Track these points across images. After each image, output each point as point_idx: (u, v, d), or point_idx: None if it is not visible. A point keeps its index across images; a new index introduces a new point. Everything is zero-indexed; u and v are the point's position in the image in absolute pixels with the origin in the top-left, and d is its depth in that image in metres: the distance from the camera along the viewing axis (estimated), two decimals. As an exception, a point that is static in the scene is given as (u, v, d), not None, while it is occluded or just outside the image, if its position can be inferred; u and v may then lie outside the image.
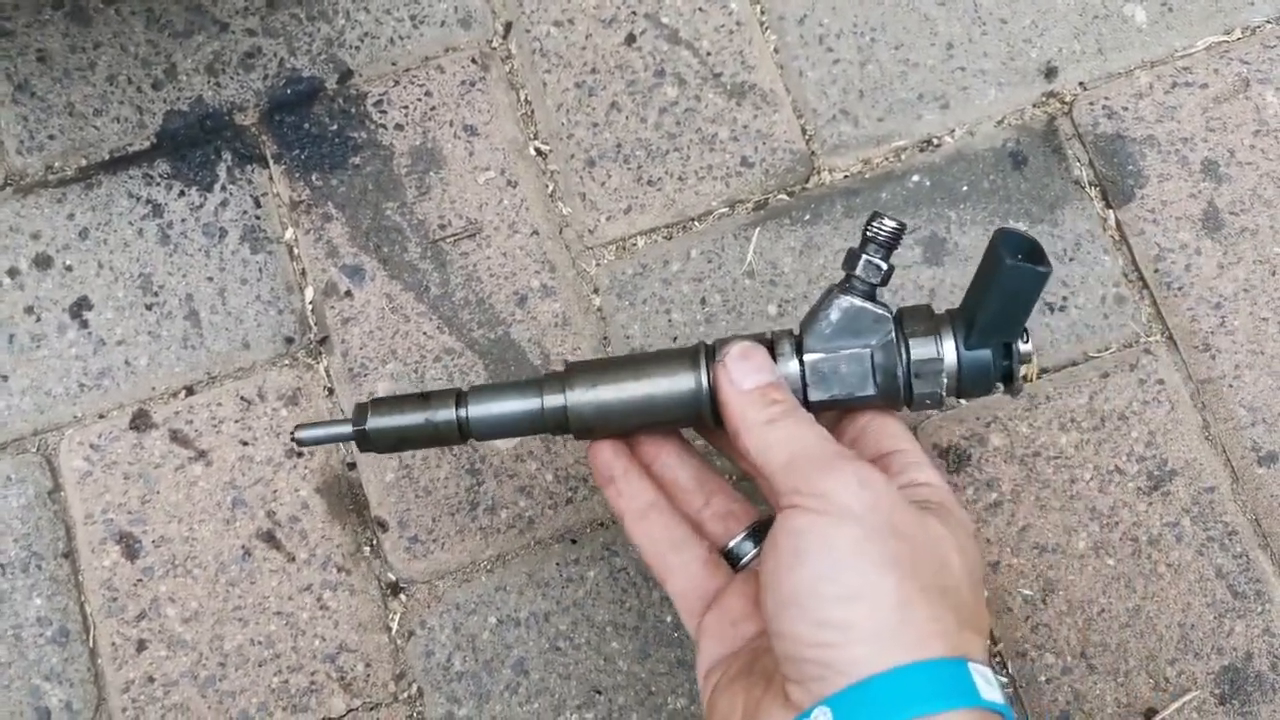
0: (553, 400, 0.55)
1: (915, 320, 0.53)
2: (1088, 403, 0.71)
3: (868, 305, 0.52)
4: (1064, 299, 0.72)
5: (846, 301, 0.53)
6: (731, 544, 0.57)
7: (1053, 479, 0.70)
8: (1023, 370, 0.53)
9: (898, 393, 0.53)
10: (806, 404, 0.53)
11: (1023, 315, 0.51)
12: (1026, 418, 0.71)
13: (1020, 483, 0.70)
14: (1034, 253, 0.49)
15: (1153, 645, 0.68)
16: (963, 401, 0.71)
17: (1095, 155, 0.74)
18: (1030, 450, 0.70)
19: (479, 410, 0.55)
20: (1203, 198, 0.73)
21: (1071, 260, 0.73)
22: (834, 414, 0.56)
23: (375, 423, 0.55)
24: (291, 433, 0.56)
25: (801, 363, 0.53)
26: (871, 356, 0.52)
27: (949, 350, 0.52)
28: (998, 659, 0.69)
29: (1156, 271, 0.72)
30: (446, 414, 0.55)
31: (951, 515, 0.50)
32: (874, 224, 0.53)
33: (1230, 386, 0.71)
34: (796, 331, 0.54)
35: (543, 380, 0.56)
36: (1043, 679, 0.68)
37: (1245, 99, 0.74)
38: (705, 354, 0.54)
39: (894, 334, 0.52)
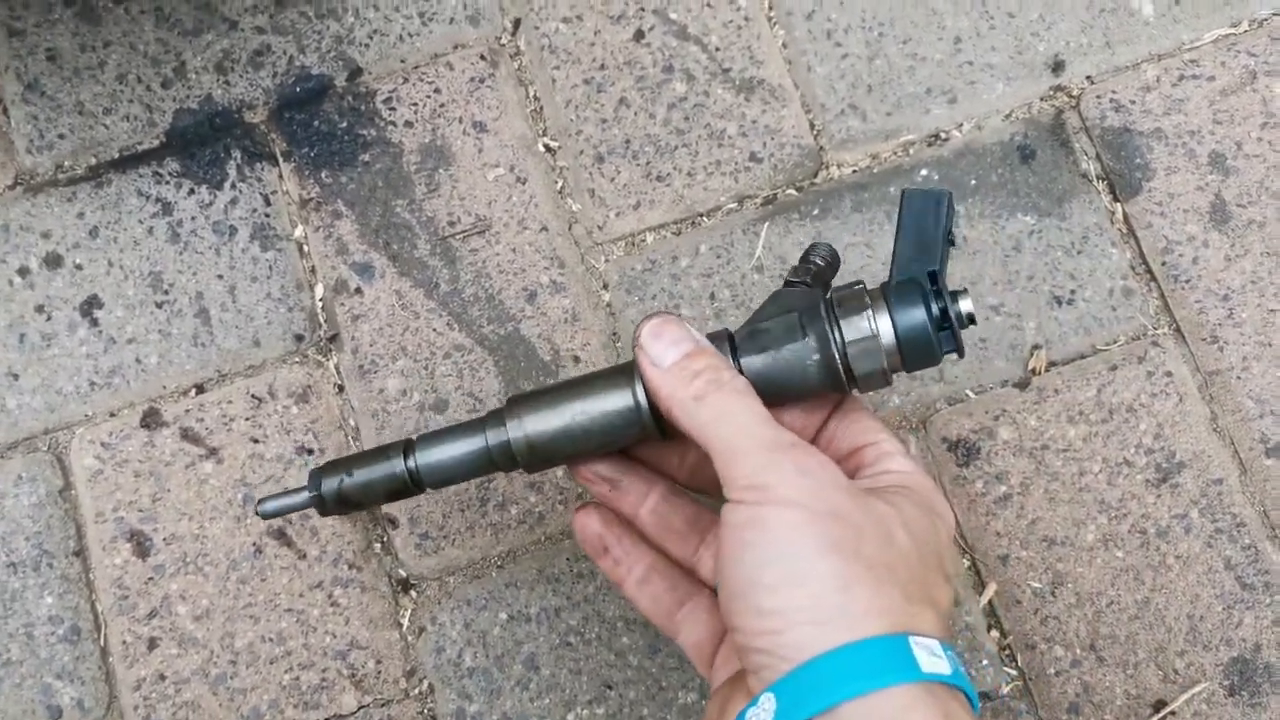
0: (496, 437, 0.53)
1: (841, 292, 0.52)
2: (1096, 395, 0.71)
3: (801, 288, 0.53)
4: (1072, 292, 0.72)
5: (781, 291, 0.53)
6: None
7: (1061, 472, 0.70)
8: (966, 326, 0.51)
9: (835, 363, 0.50)
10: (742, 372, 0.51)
11: (937, 243, 0.50)
12: (1035, 411, 0.71)
13: (1029, 475, 0.70)
14: (932, 190, 0.51)
15: (1162, 637, 0.68)
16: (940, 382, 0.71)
17: (1102, 148, 0.74)
18: (1039, 443, 0.71)
19: (427, 458, 0.54)
20: (1210, 190, 0.73)
21: (1079, 253, 0.73)
22: (806, 412, 0.54)
23: (327, 486, 0.56)
24: (255, 506, 0.59)
25: (732, 339, 0.51)
26: (800, 317, 0.50)
27: (880, 311, 0.50)
28: (1007, 651, 0.69)
29: (1164, 264, 0.72)
30: (396, 466, 0.55)
31: (912, 494, 0.49)
32: (809, 252, 0.55)
33: (1238, 378, 0.71)
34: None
35: (485, 419, 0.54)
36: (1052, 671, 0.68)
37: (1252, 91, 0.74)
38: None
39: (822, 305, 0.51)
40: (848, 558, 0.43)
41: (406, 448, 0.55)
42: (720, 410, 0.47)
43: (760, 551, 0.44)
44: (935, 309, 0.50)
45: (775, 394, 0.50)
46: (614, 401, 0.52)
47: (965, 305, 0.51)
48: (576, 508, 0.57)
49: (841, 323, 0.50)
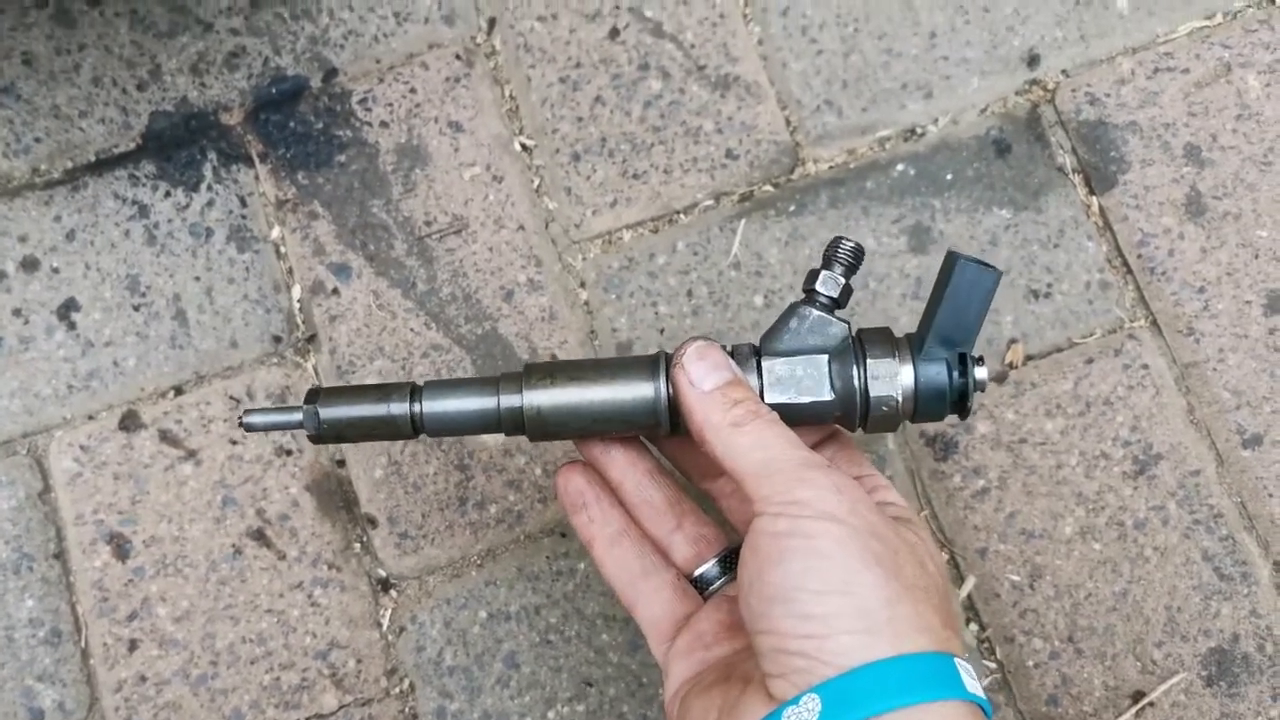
0: (509, 400, 0.54)
1: (872, 335, 0.53)
2: (1073, 388, 0.71)
3: (826, 316, 0.53)
4: (1048, 285, 0.73)
5: (806, 310, 0.53)
6: (701, 570, 0.57)
7: (1039, 465, 0.70)
8: (979, 389, 0.53)
9: (854, 403, 0.52)
10: None
11: (975, 321, 0.51)
12: (1013, 404, 0.71)
13: (1007, 469, 0.70)
14: (986, 266, 0.50)
15: (1140, 628, 0.68)
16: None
17: (1078, 142, 0.74)
18: (1017, 437, 0.71)
19: (433, 405, 0.54)
20: (1185, 183, 0.73)
21: (1055, 247, 0.73)
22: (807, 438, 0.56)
23: (326, 410, 0.54)
24: (240, 417, 0.55)
25: (759, 366, 0.53)
26: (829, 361, 0.53)
27: (905, 364, 0.52)
28: (985, 644, 0.69)
29: (1140, 257, 0.73)
30: (401, 408, 0.54)
31: (921, 530, 0.51)
32: (834, 245, 0.54)
33: (1214, 370, 0.71)
34: (756, 344, 0.54)
35: (500, 379, 0.54)
36: (1031, 664, 0.68)
37: (1227, 84, 0.74)
38: (665, 361, 0.53)
39: (851, 344, 0.53)
40: (889, 574, 0.45)
41: (413, 392, 0.54)
42: (758, 438, 0.49)
43: (804, 560, 0.45)
44: (957, 374, 0.52)
45: (788, 419, 0.52)
46: (635, 392, 0.53)
47: (981, 373, 0.52)
48: (562, 464, 0.58)
49: (868, 364, 0.52)
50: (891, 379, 0.52)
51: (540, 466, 0.71)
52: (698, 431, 0.50)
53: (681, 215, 0.75)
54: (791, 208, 0.74)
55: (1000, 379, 0.71)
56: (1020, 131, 0.75)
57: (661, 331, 0.73)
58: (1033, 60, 0.76)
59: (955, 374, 0.52)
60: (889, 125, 0.75)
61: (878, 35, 0.76)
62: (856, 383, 0.52)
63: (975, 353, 0.53)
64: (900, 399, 0.52)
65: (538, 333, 0.73)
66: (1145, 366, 0.71)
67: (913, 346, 0.52)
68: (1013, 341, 0.72)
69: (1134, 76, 0.75)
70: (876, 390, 0.52)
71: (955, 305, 0.51)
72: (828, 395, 0.52)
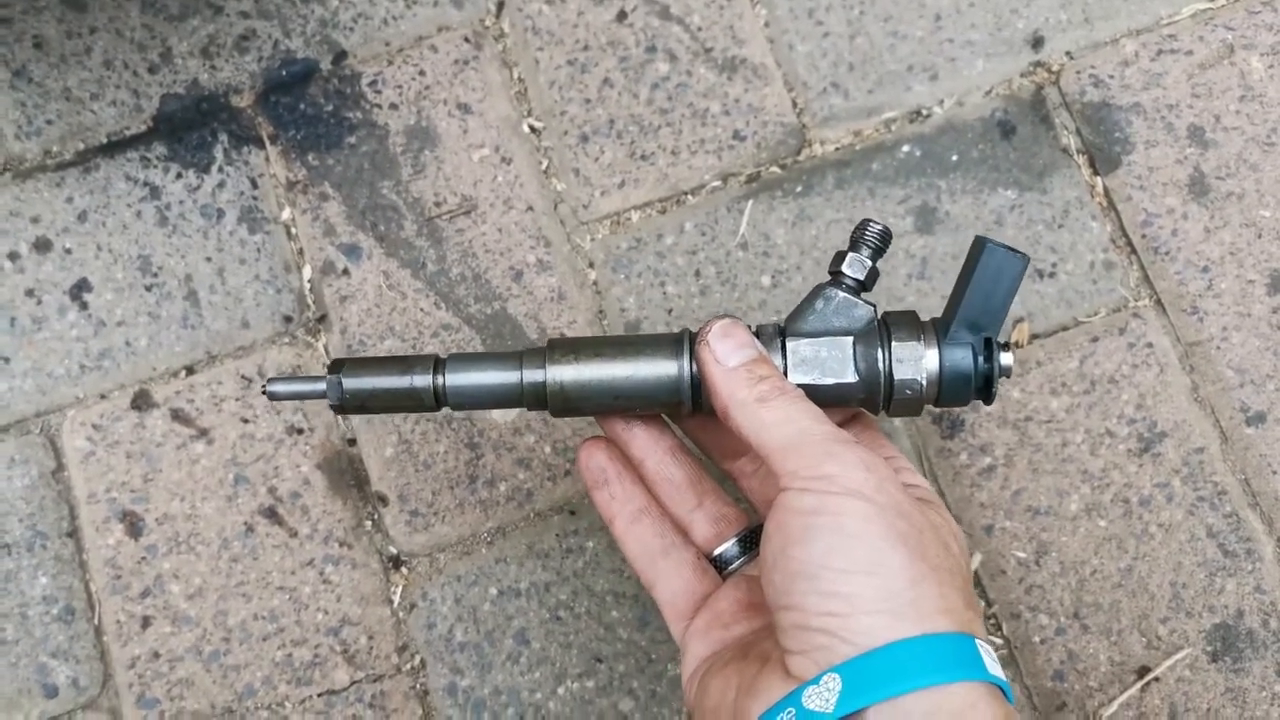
0: (533, 374, 0.54)
1: (898, 318, 0.53)
2: (1078, 367, 0.72)
3: (852, 298, 0.53)
4: (1053, 265, 0.73)
5: (832, 292, 0.53)
6: (720, 549, 0.57)
7: (1045, 443, 0.71)
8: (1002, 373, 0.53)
9: (878, 386, 0.52)
10: None
11: (1003, 305, 0.51)
12: (1018, 383, 0.72)
13: (1013, 447, 0.71)
14: (1014, 252, 0.50)
15: (1145, 604, 0.69)
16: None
17: (1082, 123, 0.75)
18: (1022, 415, 0.71)
19: (456, 379, 0.54)
20: (1189, 163, 0.74)
21: (1060, 227, 0.74)
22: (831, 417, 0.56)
23: (350, 380, 0.54)
24: (263, 385, 0.55)
25: (784, 347, 0.53)
26: (854, 344, 0.53)
27: (930, 348, 0.52)
28: (992, 620, 0.69)
29: (1144, 237, 0.73)
30: (424, 379, 0.54)
31: (943, 511, 0.51)
32: (863, 226, 0.54)
33: (1218, 348, 0.72)
34: (781, 323, 0.55)
35: (523, 353, 0.55)
36: (1037, 640, 0.69)
37: (1230, 65, 0.75)
38: (689, 339, 0.54)
39: (876, 327, 0.53)
40: (914, 555, 0.45)
41: (436, 364, 0.55)
42: (784, 413, 0.49)
43: (830, 537, 0.45)
44: (982, 359, 0.52)
45: (812, 400, 0.52)
46: (659, 369, 0.53)
47: (1006, 359, 0.52)
48: (584, 440, 0.58)
49: (893, 347, 0.52)
50: (916, 363, 0.52)
51: (550, 444, 0.72)
52: (723, 408, 0.50)
53: (689, 196, 0.75)
54: (798, 189, 0.75)
55: (990, 400, 0.72)
56: (1025, 113, 0.75)
57: (670, 311, 0.73)
58: (1037, 42, 0.76)
59: (980, 359, 0.52)
60: (895, 107, 0.76)
61: (884, 18, 0.76)
62: (881, 366, 0.52)
63: (1000, 338, 0.53)
64: (924, 383, 0.52)
65: (546, 313, 0.73)
66: (1149, 345, 0.72)
67: (938, 330, 0.53)
68: (1018, 320, 0.72)
69: (1138, 58, 0.76)
70: (901, 374, 0.52)
71: (982, 290, 0.51)
72: (851, 377, 0.52)
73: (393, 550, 0.71)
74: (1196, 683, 0.68)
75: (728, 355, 0.51)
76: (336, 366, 0.55)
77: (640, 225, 0.75)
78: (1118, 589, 0.69)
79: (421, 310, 0.73)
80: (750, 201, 0.74)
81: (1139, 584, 0.69)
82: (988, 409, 0.71)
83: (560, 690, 0.69)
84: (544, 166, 0.76)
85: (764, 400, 0.49)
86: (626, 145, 0.75)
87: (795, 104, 0.76)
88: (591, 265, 0.74)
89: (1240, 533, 0.69)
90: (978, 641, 0.45)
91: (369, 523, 0.72)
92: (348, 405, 0.55)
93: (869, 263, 0.54)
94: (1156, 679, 0.68)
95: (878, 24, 0.76)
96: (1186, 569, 0.69)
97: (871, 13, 0.77)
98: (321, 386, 0.54)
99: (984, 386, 0.52)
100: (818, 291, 0.54)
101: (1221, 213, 0.73)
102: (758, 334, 0.53)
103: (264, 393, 0.55)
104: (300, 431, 0.72)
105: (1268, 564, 0.69)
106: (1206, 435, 0.71)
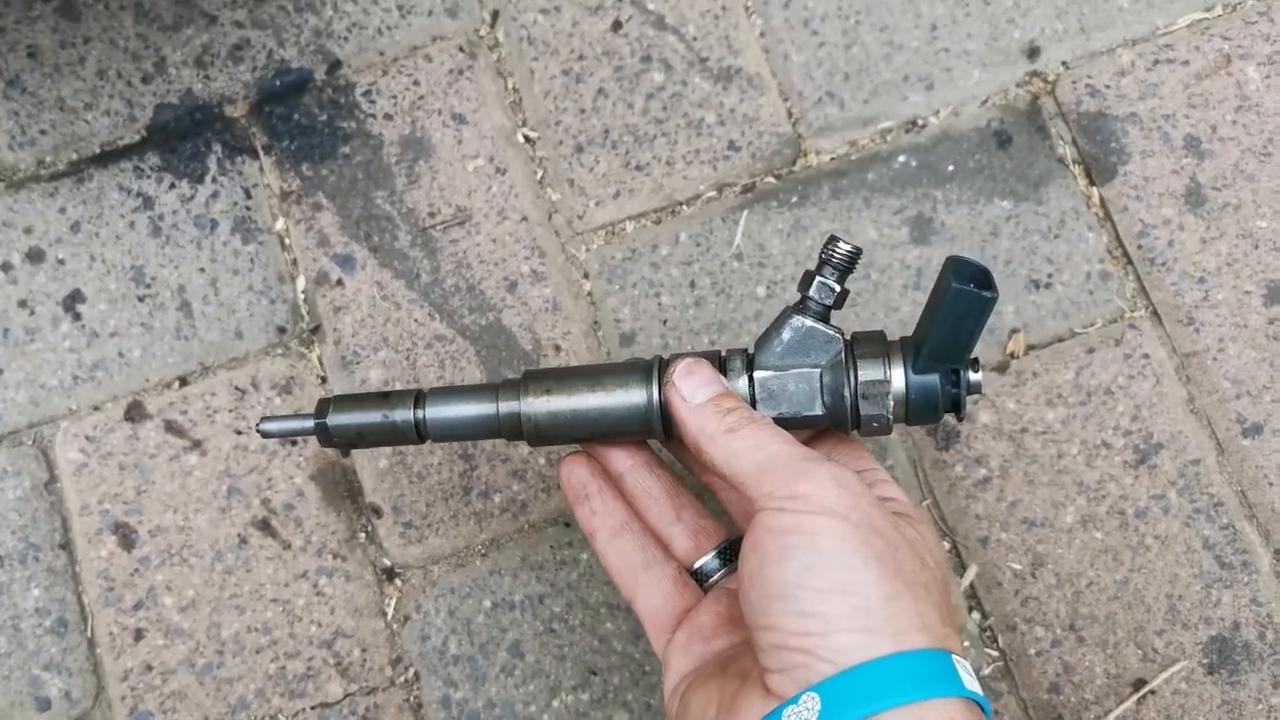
0: (508, 406, 0.55)
1: (866, 344, 0.53)
2: (1074, 378, 0.71)
3: (820, 326, 0.53)
4: (1049, 276, 0.73)
5: (799, 321, 0.53)
6: (700, 562, 0.57)
7: (1040, 454, 0.71)
8: (970, 398, 0.53)
9: (845, 415, 0.53)
10: None
11: (969, 341, 0.51)
12: (1014, 394, 0.71)
13: (1008, 458, 0.71)
14: (983, 280, 0.49)
15: (1141, 617, 0.69)
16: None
17: (1078, 133, 0.75)
18: (1018, 426, 0.71)
19: (436, 412, 0.56)
20: (1185, 174, 0.74)
21: (1056, 238, 0.73)
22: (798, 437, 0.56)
23: (335, 419, 0.56)
24: (257, 424, 0.58)
25: (751, 379, 0.53)
26: (820, 376, 0.53)
27: (897, 375, 0.52)
28: (987, 633, 0.69)
29: (1140, 247, 0.73)
30: (405, 414, 0.56)
31: (921, 524, 0.51)
32: (830, 247, 0.53)
33: (1214, 360, 0.71)
34: (750, 349, 0.55)
35: (499, 386, 0.56)
36: (1033, 652, 0.69)
37: (1227, 75, 0.75)
38: (659, 367, 0.54)
39: (844, 355, 0.53)
40: (890, 572, 0.45)
41: (417, 399, 0.56)
42: (754, 440, 0.49)
43: (805, 556, 0.45)
44: (950, 385, 0.52)
45: (775, 416, 0.53)
46: (628, 398, 0.54)
47: (974, 376, 0.52)
48: (565, 455, 0.59)
49: (859, 382, 0.52)
50: (882, 398, 0.52)
51: (544, 456, 0.72)
52: (694, 443, 0.51)
53: (684, 206, 0.75)
54: (794, 199, 0.74)
55: (1002, 369, 0.72)
56: (1021, 123, 0.75)
57: (665, 322, 0.73)
58: (1033, 52, 0.76)
59: (948, 385, 0.52)
60: (890, 117, 0.75)
61: (879, 27, 0.76)
62: (847, 397, 0.52)
63: (996, 348, 0.53)
64: (891, 416, 0.52)
65: (541, 324, 0.73)
66: (1146, 356, 0.72)
67: (905, 355, 0.52)
68: (1014, 331, 0.72)
69: (1134, 68, 0.75)
70: (867, 409, 0.52)
71: (949, 326, 0.50)
72: (819, 410, 0.53)
73: (386, 562, 0.71)
74: (1193, 695, 0.68)
75: (693, 392, 0.52)
76: (323, 407, 0.57)
77: (635, 236, 0.75)
78: (1114, 601, 0.69)
79: (416, 321, 0.73)
80: (745, 212, 0.74)
81: (1135, 596, 0.69)
82: (984, 421, 0.71)
83: (555, 703, 0.69)
84: (539, 177, 0.75)
85: (733, 430, 0.50)
86: (621, 155, 0.75)
87: (790, 114, 0.76)
88: (586, 276, 0.74)
89: (1237, 544, 0.69)
90: (954, 657, 0.45)
91: (363, 535, 0.71)
92: (338, 442, 0.57)
93: (836, 287, 0.53)
94: (1152, 692, 0.68)
95: (873, 34, 0.76)
96: (1183, 581, 0.69)
97: (867, 22, 0.76)
98: (310, 424, 0.57)
99: (953, 408, 0.53)
100: (785, 318, 0.53)
101: (1218, 223, 0.73)
102: (726, 360, 0.54)
103: (257, 431, 0.57)
104: (294, 443, 0.72)
105: (1264, 576, 0.69)
106: (1203, 447, 0.70)
